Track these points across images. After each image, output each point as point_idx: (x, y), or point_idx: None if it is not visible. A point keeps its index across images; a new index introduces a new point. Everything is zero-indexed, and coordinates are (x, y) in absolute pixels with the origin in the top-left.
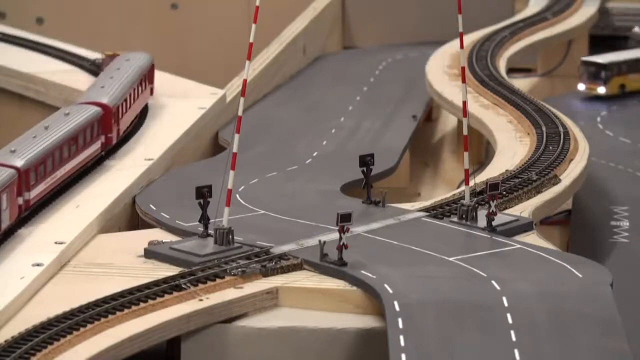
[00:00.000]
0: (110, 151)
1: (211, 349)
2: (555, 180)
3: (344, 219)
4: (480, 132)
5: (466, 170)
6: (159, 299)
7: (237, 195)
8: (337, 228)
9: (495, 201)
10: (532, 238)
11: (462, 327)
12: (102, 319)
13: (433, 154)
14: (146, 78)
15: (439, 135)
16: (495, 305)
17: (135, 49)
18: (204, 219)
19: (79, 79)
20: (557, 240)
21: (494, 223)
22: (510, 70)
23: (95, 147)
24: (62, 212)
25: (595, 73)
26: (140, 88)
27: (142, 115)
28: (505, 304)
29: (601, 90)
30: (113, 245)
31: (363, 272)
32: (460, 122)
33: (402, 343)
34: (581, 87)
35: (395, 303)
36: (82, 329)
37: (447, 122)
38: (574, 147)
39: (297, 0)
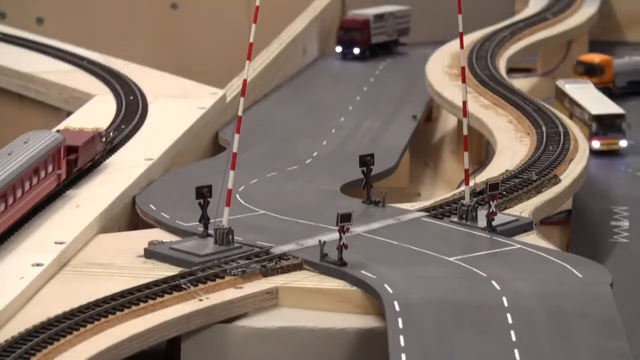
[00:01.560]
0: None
1: (211, 349)
2: (555, 180)
3: (344, 219)
4: (480, 132)
5: (466, 170)
6: (159, 299)
7: (237, 195)
8: (337, 228)
9: (495, 201)
10: (532, 238)
11: (462, 327)
12: (102, 319)
13: (433, 154)
14: (50, 163)
15: (439, 135)
16: (495, 305)
17: (135, 49)
18: (204, 219)
19: (79, 79)
20: (557, 240)
21: (494, 223)
22: (510, 70)
23: None
24: (62, 212)
25: (611, 125)
26: (33, 178)
27: (142, 116)
28: (505, 304)
29: (623, 143)
30: (113, 245)
31: (363, 272)
32: (460, 122)
33: (402, 343)
34: (596, 144)
35: (395, 303)
36: (82, 329)
37: (447, 122)
38: (574, 147)
39: (297, 0)
